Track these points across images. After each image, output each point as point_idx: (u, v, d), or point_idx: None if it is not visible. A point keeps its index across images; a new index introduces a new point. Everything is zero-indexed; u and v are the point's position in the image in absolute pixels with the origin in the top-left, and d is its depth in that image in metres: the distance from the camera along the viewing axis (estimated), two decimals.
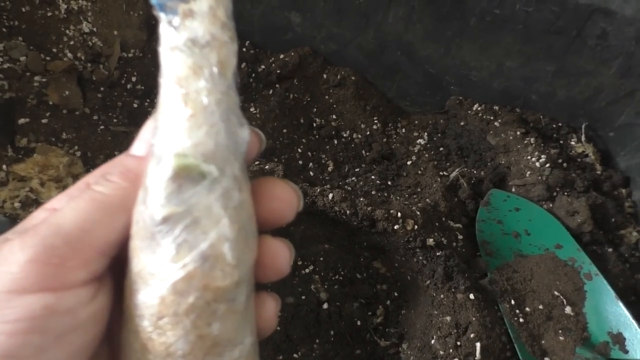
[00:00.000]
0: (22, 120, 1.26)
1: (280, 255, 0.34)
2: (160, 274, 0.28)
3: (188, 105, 0.28)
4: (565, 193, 1.23)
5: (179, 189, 0.28)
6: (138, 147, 0.34)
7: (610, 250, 1.17)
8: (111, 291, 0.32)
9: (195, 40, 0.28)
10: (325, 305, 1.04)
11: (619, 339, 1.00)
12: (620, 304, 1.03)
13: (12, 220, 1.08)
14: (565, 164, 1.29)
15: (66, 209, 0.29)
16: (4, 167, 1.16)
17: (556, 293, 1.05)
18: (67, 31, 1.45)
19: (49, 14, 1.44)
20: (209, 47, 0.29)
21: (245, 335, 0.32)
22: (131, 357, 0.31)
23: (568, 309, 1.02)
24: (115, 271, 0.33)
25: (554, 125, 1.41)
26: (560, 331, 0.99)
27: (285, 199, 0.33)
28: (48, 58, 1.40)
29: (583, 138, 1.36)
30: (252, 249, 0.31)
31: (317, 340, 1.00)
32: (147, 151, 0.32)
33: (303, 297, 1.04)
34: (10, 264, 0.27)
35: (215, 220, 0.29)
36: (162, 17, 0.29)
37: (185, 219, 0.28)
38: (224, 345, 0.30)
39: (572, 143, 1.37)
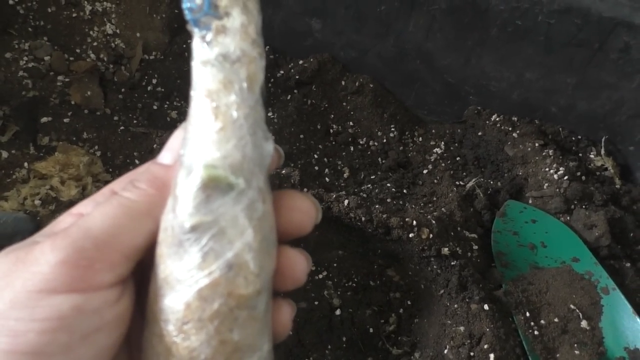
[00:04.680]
0: (44, 119, 1.28)
1: (298, 265, 0.35)
2: (186, 280, 0.29)
3: (218, 119, 0.29)
4: (583, 206, 1.22)
5: (208, 199, 0.29)
6: (165, 156, 0.35)
7: (628, 265, 1.16)
8: (134, 295, 0.33)
9: (226, 55, 0.29)
10: (337, 312, 1.03)
11: (635, 355, 0.98)
12: (638, 320, 1.02)
13: (32, 217, 1.09)
14: (583, 177, 1.28)
15: (95, 213, 0.30)
16: (26, 164, 1.18)
17: (572, 306, 1.04)
18: (91, 32, 1.47)
19: (74, 15, 1.46)
20: (239, 62, 0.30)
21: (264, 341, 0.33)
22: None
23: (584, 323, 1.01)
24: (137, 276, 0.33)
25: (573, 138, 1.40)
26: (575, 345, 0.98)
27: (304, 210, 0.34)
28: (72, 58, 1.42)
29: (602, 151, 1.34)
30: (273, 258, 0.32)
31: (329, 346, 1.00)
32: (176, 161, 0.33)
33: (316, 303, 1.04)
34: (41, 264, 0.28)
35: (240, 231, 0.30)
36: (196, 32, 0.30)
37: (212, 228, 0.29)
38: (244, 351, 0.31)
39: (591, 156, 1.36)
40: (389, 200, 1.24)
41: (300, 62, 1.50)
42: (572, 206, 1.23)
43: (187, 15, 0.29)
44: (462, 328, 0.97)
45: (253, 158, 0.30)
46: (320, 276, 1.08)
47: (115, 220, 0.30)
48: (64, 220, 0.33)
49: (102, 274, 0.29)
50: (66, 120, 1.30)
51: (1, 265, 0.29)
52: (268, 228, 0.32)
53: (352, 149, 1.44)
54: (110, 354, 0.31)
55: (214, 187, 0.29)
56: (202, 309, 0.29)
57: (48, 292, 0.27)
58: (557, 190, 1.24)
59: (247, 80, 0.30)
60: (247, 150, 0.30)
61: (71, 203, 1.13)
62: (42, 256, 0.28)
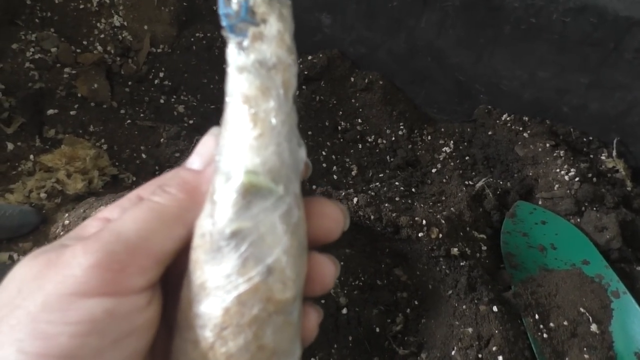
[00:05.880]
0: (50, 111, 1.27)
1: (327, 270, 0.35)
2: (225, 286, 0.30)
3: (257, 125, 0.29)
4: (594, 208, 1.20)
5: (248, 205, 0.29)
6: (194, 161, 0.35)
7: (639, 268, 1.14)
8: (161, 301, 0.32)
9: (262, 62, 0.29)
10: (344, 311, 1.02)
11: None
12: None
13: (38, 210, 1.08)
14: (595, 179, 1.26)
15: (125, 218, 0.30)
16: (32, 157, 1.17)
17: (582, 310, 1.02)
18: (98, 24, 1.46)
19: (81, 6, 1.45)
20: (275, 69, 0.30)
21: (297, 347, 0.33)
22: None
23: (594, 327, 1.00)
24: (162, 283, 0.33)
25: (585, 139, 1.38)
26: (585, 349, 0.97)
27: (333, 217, 0.34)
28: (78, 50, 1.41)
29: (614, 153, 1.33)
30: (305, 264, 0.33)
31: (335, 346, 0.99)
32: (207, 166, 0.33)
33: (322, 301, 1.03)
34: (74, 267, 0.28)
35: (279, 236, 0.30)
36: (232, 37, 0.30)
37: (252, 234, 0.29)
38: (280, 356, 0.31)
39: (603, 158, 1.34)
40: (397, 199, 1.23)
41: (309, 57, 1.48)
42: (583, 208, 1.21)
43: (224, 22, 0.29)
44: (470, 329, 0.96)
45: (290, 164, 0.30)
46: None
47: (146, 225, 0.30)
48: (91, 224, 0.33)
49: (134, 278, 0.29)
50: (72, 112, 1.29)
51: (31, 268, 0.29)
52: (302, 234, 0.32)
53: (360, 146, 1.42)
54: (139, 359, 0.30)
55: (254, 193, 0.29)
56: (241, 314, 0.29)
57: (80, 295, 0.27)
58: (568, 191, 1.22)
59: (283, 86, 0.30)
60: (284, 157, 0.30)
61: (77, 197, 1.13)
62: (74, 259, 0.28)
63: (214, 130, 0.33)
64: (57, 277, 0.27)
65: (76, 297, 0.27)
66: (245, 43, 0.30)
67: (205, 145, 0.34)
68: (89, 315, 0.27)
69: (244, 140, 0.29)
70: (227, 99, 0.30)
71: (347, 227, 0.35)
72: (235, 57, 0.30)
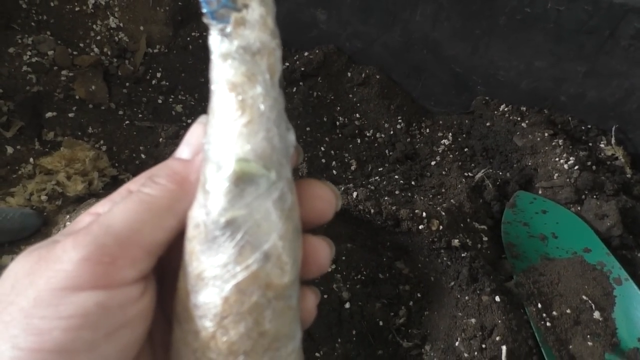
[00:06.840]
0: (49, 114, 1.27)
1: (322, 252, 0.35)
2: (223, 275, 0.29)
3: (245, 112, 0.29)
4: (594, 196, 1.20)
5: (241, 193, 0.29)
6: (183, 150, 0.34)
7: None
8: (156, 291, 0.32)
9: (246, 47, 0.29)
10: (347, 305, 1.02)
11: None
12: None
13: (39, 212, 1.08)
14: (594, 167, 1.26)
15: (115, 210, 0.30)
16: (31, 160, 1.17)
17: (584, 297, 1.02)
18: (94, 26, 1.46)
19: (77, 8, 1.45)
20: (260, 54, 0.30)
21: (297, 330, 0.33)
22: (189, 357, 0.31)
23: (597, 314, 1.00)
24: (157, 274, 0.33)
25: (583, 127, 1.38)
26: (588, 336, 0.97)
27: (325, 198, 0.34)
28: (75, 52, 1.41)
29: (613, 141, 1.33)
30: (301, 247, 0.33)
31: (339, 340, 0.99)
32: (195, 155, 0.33)
33: (325, 296, 1.03)
34: (64, 262, 0.27)
35: (273, 222, 0.30)
36: (213, 24, 0.29)
37: (247, 222, 0.29)
38: (281, 340, 0.31)
39: (602, 146, 1.34)
40: (397, 192, 1.23)
41: (306, 53, 1.48)
42: (583, 196, 1.21)
43: (204, 8, 0.29)
44: (473, 320, 0.96)
45: (280, 149, 0.30)
46: (329, 269, 1.07)
47: (136, 216, 0.30)
48: (83, 220, 0.33)
49: (125, 270, 0.29)
50: (71, 115, 1.29)
51: (24, 265, 0.28)
52: (296, 218, 0.32)
53: (358, 141, 1.42)
54: (134, 350, 0.31)
55: (247, 180, 0.29)
56: (240, 302, 0.29)
57: (72, 289, 0.27)
58: (568, 180, 1.22)
59: (268, 71, 0.30)
60: (275, 142, 0.30)
61: (78, 198, 1.13)
62: (64, 254, 0.28)
63: (201, 119, 0.33)
64: (48, 273, 0.27)
65: (68, 292, 0.27)
66: (228, 29, 0.29)
67: (193, 134, 0.34)
68: (81, 309, 0.27)
69: (233, 127, 0.29)
70: (213, 87, 0.30)
71: (339, 208, 0.35)
72: (219, 44, 0.29)
